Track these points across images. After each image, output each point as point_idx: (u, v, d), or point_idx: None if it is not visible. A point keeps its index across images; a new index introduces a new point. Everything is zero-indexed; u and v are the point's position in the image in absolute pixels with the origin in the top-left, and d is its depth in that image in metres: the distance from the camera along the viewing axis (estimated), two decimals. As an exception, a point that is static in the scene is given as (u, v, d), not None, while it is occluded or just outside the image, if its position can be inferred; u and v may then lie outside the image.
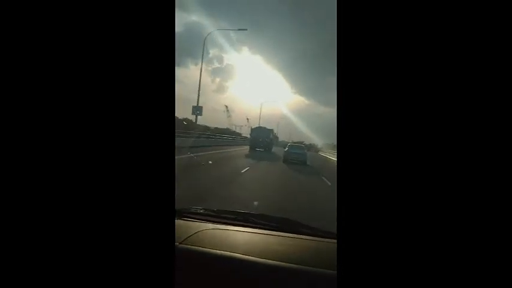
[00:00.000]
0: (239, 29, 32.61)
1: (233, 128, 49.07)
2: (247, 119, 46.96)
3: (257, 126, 30.74)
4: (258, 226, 1.23)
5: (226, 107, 55.58)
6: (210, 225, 1.18)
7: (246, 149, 25.39)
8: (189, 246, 0.96)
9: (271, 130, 30.51)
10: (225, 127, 46.01)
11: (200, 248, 0.95)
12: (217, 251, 0.93)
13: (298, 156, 15.53)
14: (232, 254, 0.92)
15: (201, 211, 1.37)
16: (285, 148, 17.41)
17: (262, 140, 26.65)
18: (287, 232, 1.18)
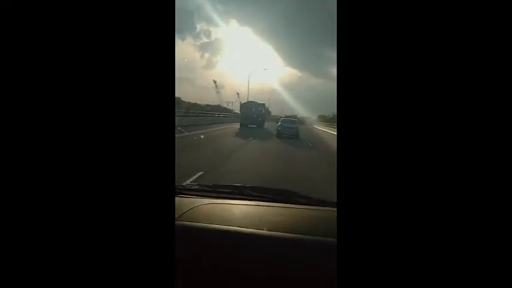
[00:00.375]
0: None
1: (224, 105, 47.76)
2: (238, 94, 45.09)
3: (247, 101, 29.13)
4: (255, 198, 1.23)
5: (215, 82, 53.49)
6: (206, 201, 1.18)
7: (236, 126, 24.25)
8: (185, 222, 0.97)
9: (263, 104, 29.00)
10: (216, 104, 44.76)
11: (196, 223, 0.96)
12: (213, 225, 0.95)
13: (290, 130, 15.97)
14: (228, 227, 0.93)
15: (196, 187, 1.38)
16: (277, 123, 17.86)
17: (253, 115, 25.18)
18: (284, 203, 1.19)
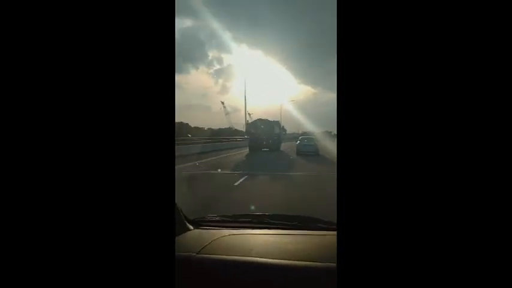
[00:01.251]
0: None
1: (234, 127, 42.01)
2: (249, 114, 38.94)
3: (256, 119, 22.75)
4: (273, 226, 1.25)
5: (223, 103, 47.25)
6: (226, 232, 1.19)
7: (243, 152, 18.30)
8: (206, 255, 0.97)
9: (277, 122, 22.88)
10: (227, 127, 39.63)
11: (216, 255, 0.97)
12: (233, 256, 0.95)
13: (309, 148, 16.41)
14: (247, 258, 0.94)
15: (217, 218, 1.37)
16: (296, 142, 18.72)
17: (265, 136, 19.09)
18: (302, 229, 1.21)
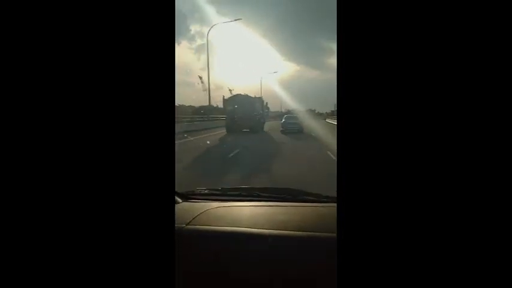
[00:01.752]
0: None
1: (216, 104, 38.62)
2: (230, 90, 35.04)
3: (235, 94, 19.24)
4: (263, 199, 1.24)
5: (200, 78, 42.84)
6: (215, 204, 1.18)
7: (221, 133, 15.59)
8: (195, 226, 0.98)
9: (260, 99, 20.07)
10: (207, 105, 36.74)
11: (206, 226, 0.97)
12: (222, 227, 0.96)
13: (294, 126, 16.62)
14: (236, 228, 0.94)
15: (206, 191, 1.37)
16: (281, 120, 18.57)
17: (245, 115, 16.12)
18: (291, 201, 1.21)
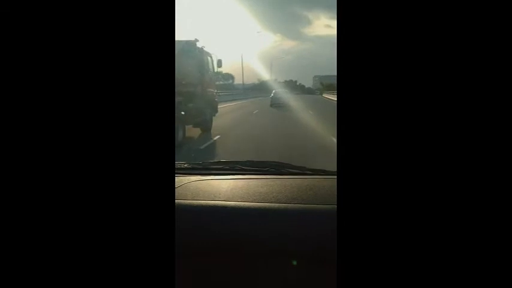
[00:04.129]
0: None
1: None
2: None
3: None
4: (246, 173, 1.20)
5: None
6: (193, 178, 1.13)
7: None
8: None
9: (200, 51, 8.34)
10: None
11: (181, 201, 0.93)
12: (197, 201, 0.93)
13: (280, 100, 21.28)
14: (213, 202, 0.92)
15: (185, 165, 1.31)
16: (270, 95, 23.40)
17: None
18: (274, 174, 1.18)
